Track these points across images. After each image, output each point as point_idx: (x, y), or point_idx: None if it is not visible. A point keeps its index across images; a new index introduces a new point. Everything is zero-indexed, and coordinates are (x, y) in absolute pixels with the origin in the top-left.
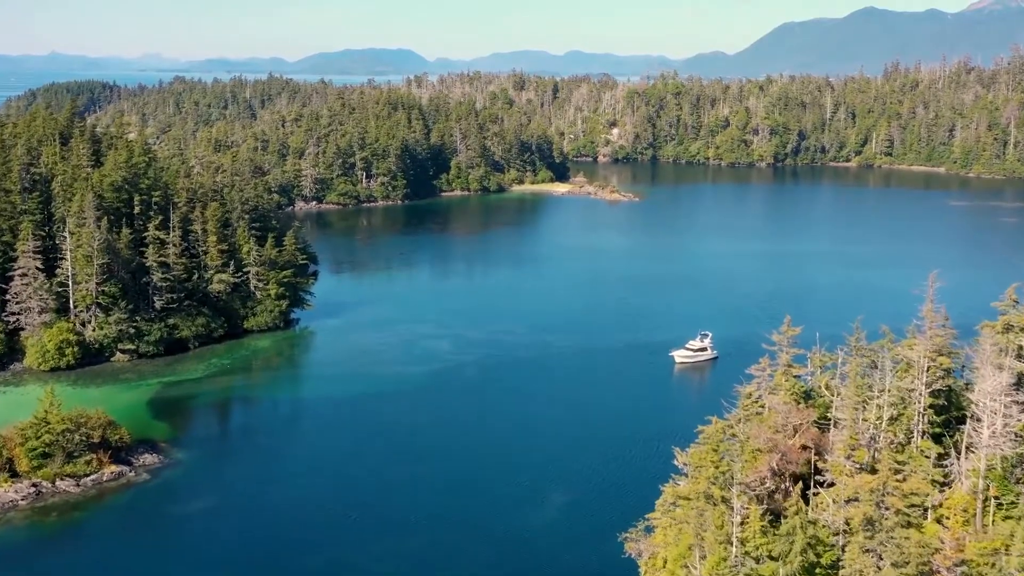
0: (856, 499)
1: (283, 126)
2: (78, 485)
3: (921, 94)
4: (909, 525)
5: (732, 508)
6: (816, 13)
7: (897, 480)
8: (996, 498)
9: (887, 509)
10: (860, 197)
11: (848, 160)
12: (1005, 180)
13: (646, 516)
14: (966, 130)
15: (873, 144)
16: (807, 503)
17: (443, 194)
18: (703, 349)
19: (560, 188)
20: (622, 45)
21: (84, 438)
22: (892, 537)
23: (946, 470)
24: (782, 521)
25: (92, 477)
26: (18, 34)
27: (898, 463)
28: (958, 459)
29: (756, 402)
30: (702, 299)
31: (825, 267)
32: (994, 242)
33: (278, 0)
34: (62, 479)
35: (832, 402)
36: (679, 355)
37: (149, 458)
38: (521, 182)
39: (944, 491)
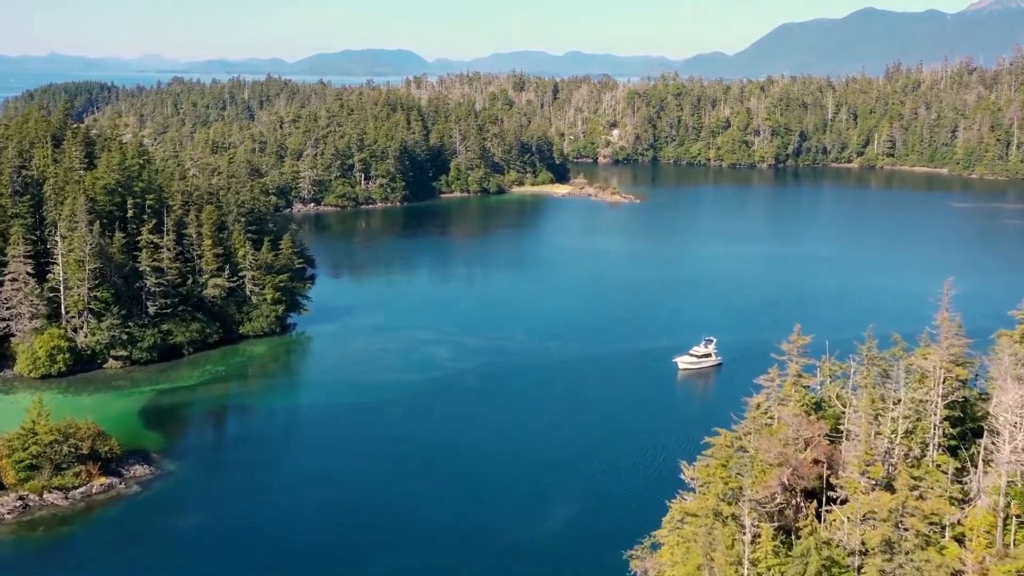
0: (872, 516)
1: (281, 127)
2: (66, 498)
3: (923, 95)
4: (928, 545)
5: (743, 526)
6: (816, 13)
7: (916, 499)
8: (1018, 516)
9: (906, 530)
10: (862, 198)
11: (850, 161)
12: (1008, 181)
13: (652, 533)
14: (968, 131)
15: (875, 145)
16: (819, 520)
17: (442, 196)
18: (707, 355)
19: (560, 190)
20: (622, 45)
21: (73, 449)
22: (912, 560)
23: (965, 487)
24: (793, 539)
25: (81, 490)
26: (18, 35)
27: (914, 479)
28: (974, 472)
29: (765, 413)
30: (705, 303)
31: (829, 270)
32: (998, 245)
33: (278, 0)
34: (50, 492)
35: (844, 413)
36: (683, 361)
37: (140, 469)
38: (521, 183)
39: (963, 508)
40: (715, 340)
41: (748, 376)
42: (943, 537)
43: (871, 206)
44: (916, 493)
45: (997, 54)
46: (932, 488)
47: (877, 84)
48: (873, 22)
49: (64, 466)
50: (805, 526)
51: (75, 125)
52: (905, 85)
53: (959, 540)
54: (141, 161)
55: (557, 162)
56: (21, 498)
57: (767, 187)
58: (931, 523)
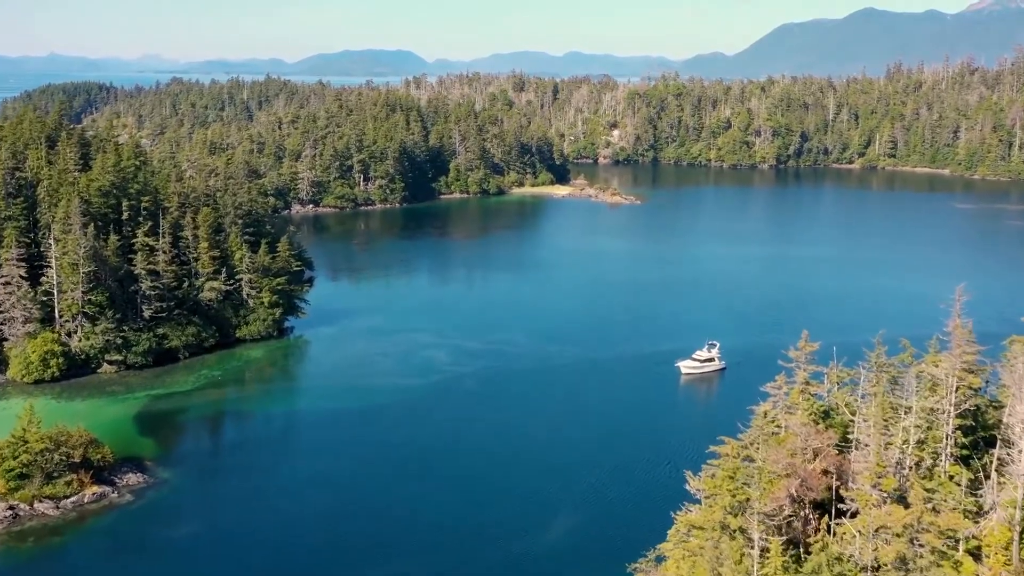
0: (885, 530)
1: (280, 128)
2: (57, 507)
3: (925, 95)
4: (944, 560)
5: (751, 540)
6: (815, 14)
7: (931, 514)
8: None
9: (921, 546)
10: (864, 199)
11: (851, 162)
12: (1010, 182)
13: (657, 546)
14: (971, 131)
15: (876, 146)
16: (829, 532)
17: (442, 197)
18: (710, 360)
19: (560, 190)
20: (621, 46)
21: (64, 457)
22: None
23: (980, 499)
24: (802, 552)
25: (72, 499)
26: (17, 35)
27: (927, 491)
28: (987, 481)
29: (772, 422)
30: (706, 304)
31: (831, 271)
32: (1000, 246)
33: (278, 0)
34: (40, 501)
35: (852, 422)
36: (685, 366)
37: (133, 478)
38: (521, 184)
39: (978, 522)
40: (718, 344)
41: (752, 381)
42: (957, 551)
43: (873, 207)
44: (930, 506)
45: (997, 54)
46: (945, 500)
47: (878, 84)
48: (873, 22)
49: (55, 475)
50: (816, 541)
51: (70, 126)
52: (906, 85)
53: (974, 554)
54: (137, 162)
55: (557, 163)
56: (11, 508)
57: (768, 188)
58: (946, 538)
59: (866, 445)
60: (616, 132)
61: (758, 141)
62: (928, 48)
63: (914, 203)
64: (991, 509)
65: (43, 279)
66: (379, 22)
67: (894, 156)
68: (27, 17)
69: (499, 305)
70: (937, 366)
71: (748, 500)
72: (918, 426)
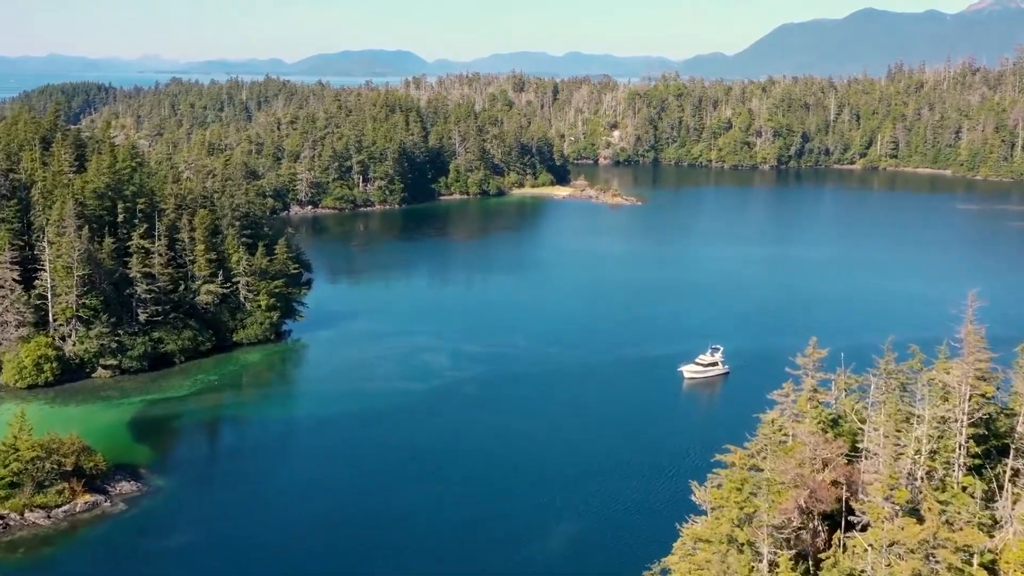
0: (898, 543)
1: (279, 128)
2: (49, 517)
3: (926, 95)
4: None
5: (759, 554)
6: (815, 14)
7: (947, 529)
8: None
9: (937, 563)
10: (866, 200)
11: (852, 162)
12: (1012, 183)
13: (661, 559)
14: (972, 132)
15: (878, 146)
16: (839, 546)
17: (442, 198)
18: (714, 364)
19: (561, 191)
20: (621, 46)
21: (56, 466)
22: None
23: (995, 512)
24: (810, 565)
25: (64, 508)
26: (17, 35)
27: (940, 502)
28: (1000, 492)
29: (779, 430)
30: (708, 307)
31: (833, 273)
32: (1001, 246)
33: (278, 1)
34: (31, 510)
35: (861, 430)
36: (688, 370)
37: (127, 486)
38: (521, 185)
39: (993, 535)
40: (722, 348)
41: (756, 386)
42: (972, 565)
43: (874, 208)
44: (944, 519)
45: (998, 54)
46: (960, 513)
47: (879, 85)
48: (873, 22)
49: (46, 483)
50: (827, 556)
51: (66, 127)
52: (908, 86)
53: (989, 568)
54: (133, 164)
55: (557, 163)
56: (1, 517)
57: (769, 188)
58: (963, 553)
59: (875, 455)
60: (616, 133)
61: (759, 142)
62: (928, 48)
63: (916, 204)
64: (1007, 522)
65: (37, 282)
66: (379, 22)
67: (896, 157)
68: (27, 17)
69: (499, 307)
70: (948, 373)
71: (756, 512)
72: (930, 435)
